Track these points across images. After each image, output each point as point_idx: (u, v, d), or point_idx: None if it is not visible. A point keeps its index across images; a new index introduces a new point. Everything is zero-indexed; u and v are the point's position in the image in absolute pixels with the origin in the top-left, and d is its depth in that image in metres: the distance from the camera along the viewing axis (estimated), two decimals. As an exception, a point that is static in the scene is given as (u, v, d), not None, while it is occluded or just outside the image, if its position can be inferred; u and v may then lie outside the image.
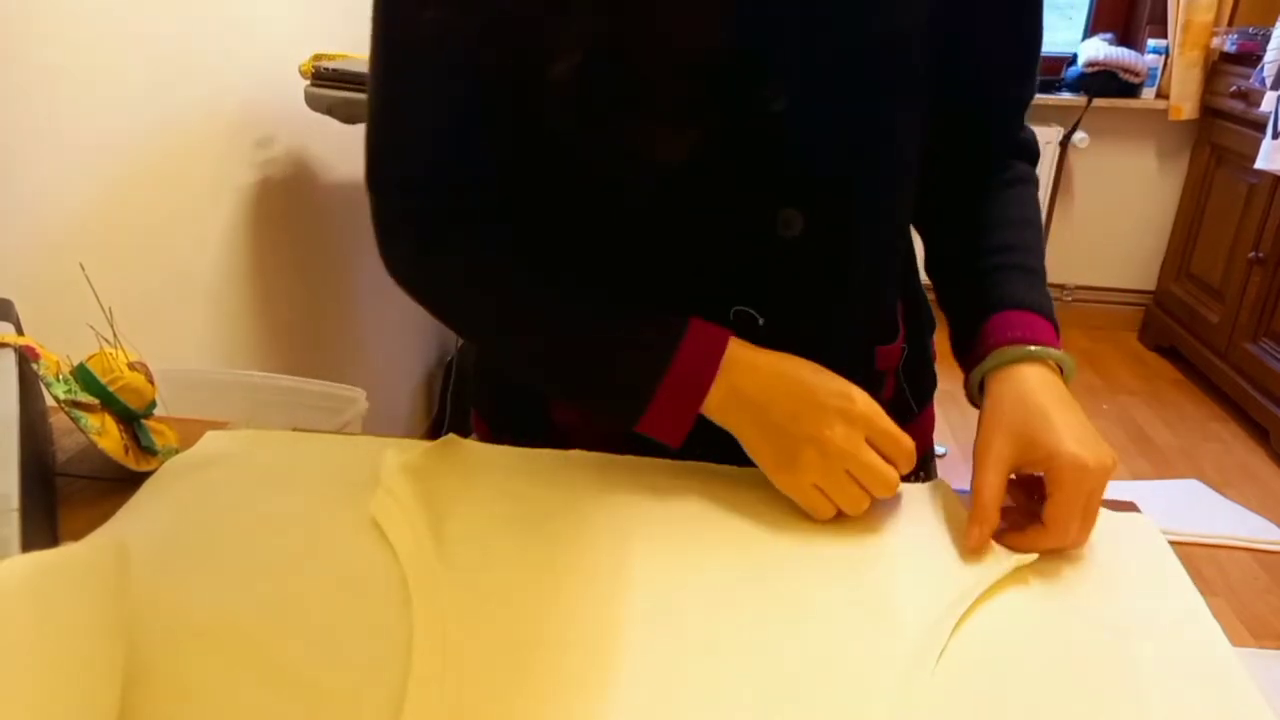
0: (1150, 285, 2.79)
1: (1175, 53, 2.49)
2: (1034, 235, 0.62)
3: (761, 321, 0.57)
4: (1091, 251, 2.79)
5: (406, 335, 1.96)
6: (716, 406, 0.53)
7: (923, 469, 0.66)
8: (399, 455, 0.57)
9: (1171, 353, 2.66)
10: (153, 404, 0.60)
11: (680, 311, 0.55)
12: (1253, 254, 2.22)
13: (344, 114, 1.31)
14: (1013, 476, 0.53)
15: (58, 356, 0.57)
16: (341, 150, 1.52)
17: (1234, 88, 2.34)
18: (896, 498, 0.55)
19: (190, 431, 0.63)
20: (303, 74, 1.34)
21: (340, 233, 1.59)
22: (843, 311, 0.60)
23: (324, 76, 1.32)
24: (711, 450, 0.56)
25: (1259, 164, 2.05)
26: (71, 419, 0.54)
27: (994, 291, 0.58)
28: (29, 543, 0.45)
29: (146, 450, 0.59)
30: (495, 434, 0.70)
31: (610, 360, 0.55)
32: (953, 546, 0.52)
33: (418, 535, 0.51)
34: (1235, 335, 2.29)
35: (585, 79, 0.50)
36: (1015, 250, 0.60)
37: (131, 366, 0.59)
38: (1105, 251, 2.79)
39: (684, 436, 0.54)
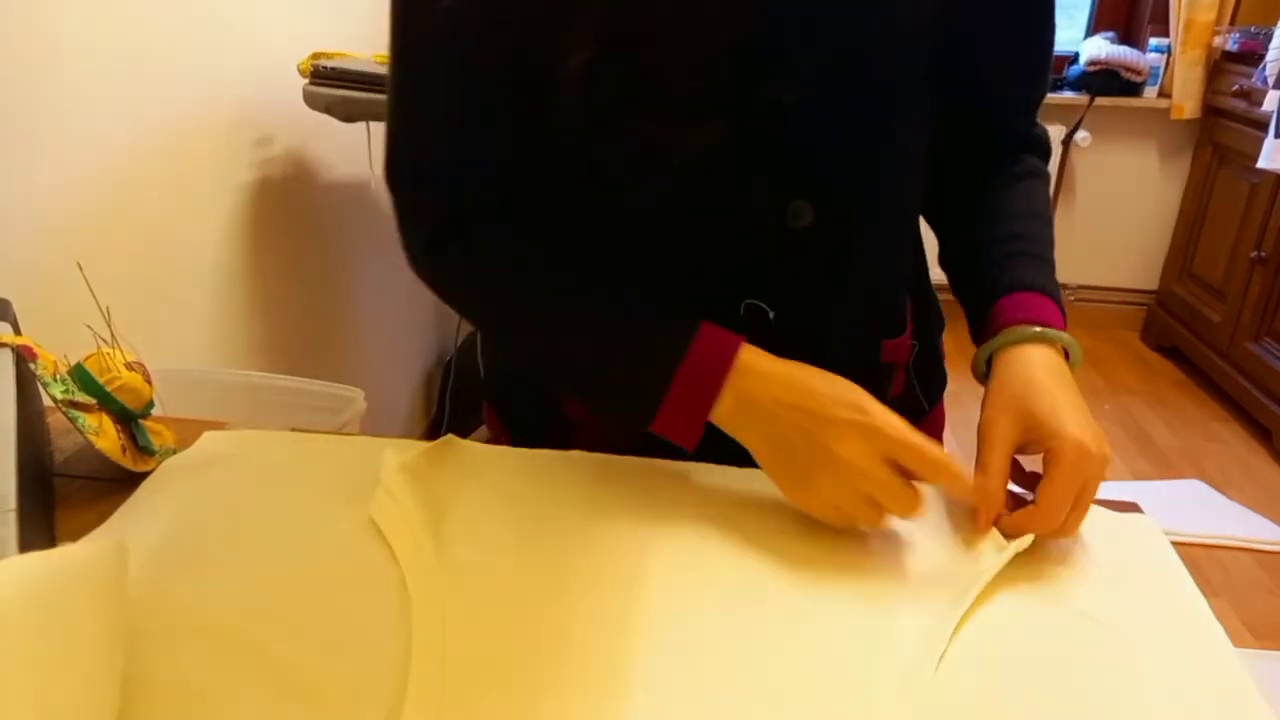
0: (1152, 285, 2.79)
1: (1177, 51, 2.48)
2: (1043, 227, 0.63)
3: (772, 315, 0.57)
4: (1093, 251, 2.78)
5: (406, 335, 1.96)
6: (726, 415, 0.52)
7: None
8: (398, 455, 0.57)
9: (1173, 352, 2.66)
10: (150, 404, 0.60)
11: (691, 306, 0.54)
12: (1255, 253, 2.22)
13: (343, 113, 1.31)
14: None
15: (55, 356, 0.57)
16: (340, 149, 1.52)
17: (1236, 87, 2.33)
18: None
19: (188, 431, 0.63)
20: (301, 73, 1.33)
21: (339, 232, 1.59)
22: (850, 303, 0.60)
23: (323, 75, 1.32)
24: (722, 451, 0.55)
25: (1261, 163, 2.04)
26: (69, 419, 0.54)
27: (1004, 276, 0.59)
28: (27, 543, 0.45)
29: (144, 450, 0.59)
30: (507, 426, 0.70)
31: (617, 363, 0.55)
32: (954, 544, 0.52)
33: (416, 536, 0.51)
34: (1237, 335, 2.29)
35: (598, 75, 0.50)
36: (1024, 239, 0.61)
37: (129, 366, 0.59)
38: (1107, 251, 2.79)
39: (697, 440, 0.53)
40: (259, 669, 0.42)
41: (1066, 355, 0.56)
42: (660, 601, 0.47)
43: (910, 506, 0.49)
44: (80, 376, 0.57)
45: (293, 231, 1.41)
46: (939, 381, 0.71)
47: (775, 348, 0.53)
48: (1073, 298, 2.85)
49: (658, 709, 0.41)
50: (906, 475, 0.50)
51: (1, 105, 0.83)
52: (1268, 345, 2.18)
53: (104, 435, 0.55)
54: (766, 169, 0.54)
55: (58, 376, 0.56)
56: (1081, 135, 2.62)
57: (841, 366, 0.54)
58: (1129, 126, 2.65)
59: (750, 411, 0.51)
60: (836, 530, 0.52)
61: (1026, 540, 0.50)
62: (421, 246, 0.59)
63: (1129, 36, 2.71)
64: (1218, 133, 2.47)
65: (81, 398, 0.56)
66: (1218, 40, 2.43)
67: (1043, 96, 0.64)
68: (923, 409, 0.69)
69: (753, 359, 0.52)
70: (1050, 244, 0.62)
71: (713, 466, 0.58)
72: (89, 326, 0.59)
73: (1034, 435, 0.51)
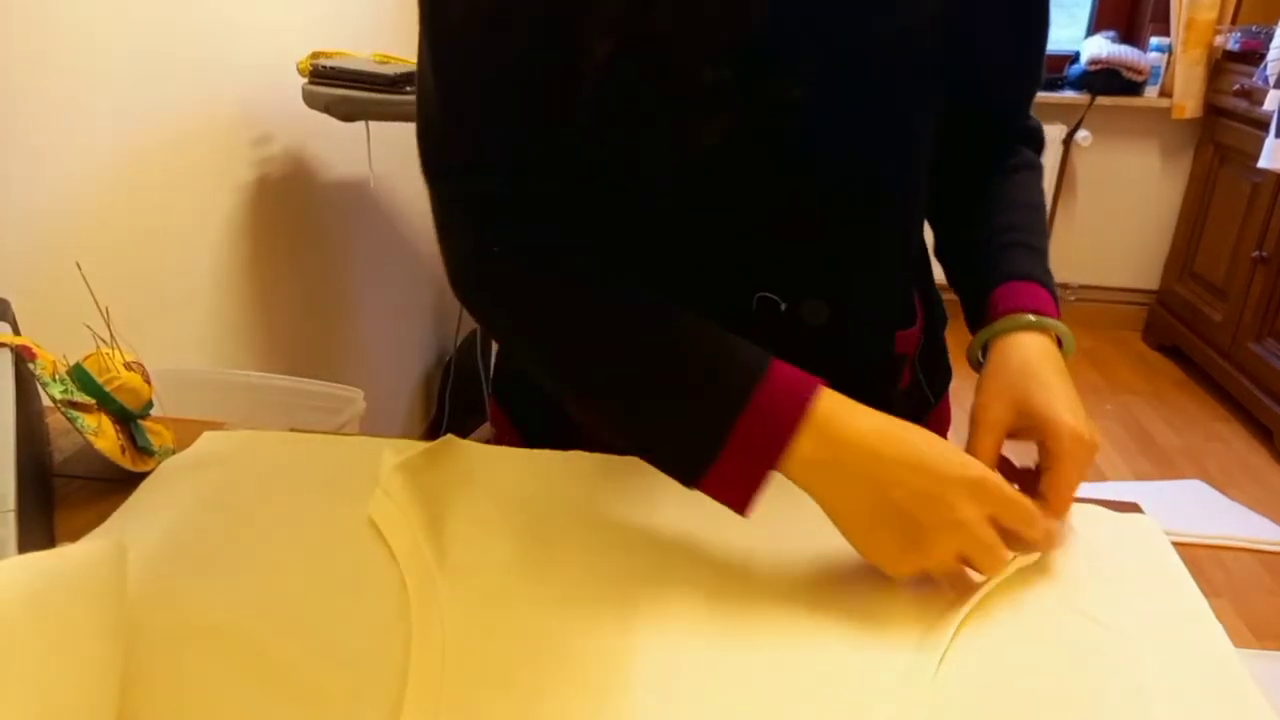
0: (1153, 284, 2.79)
1: (1178, 51, 2.48)
2: (1037, 218, 0.64)
3: (783, 307, 0.57)
4: (1094, 251, 2.78)
5: (405, 335, 1.96)
6: (800, 464, 0.46)
7: None
8: (397, 456, 0.57)
9: (1175, 352, 2.65)
10: (149, 404, 0.60)
11: (703, 300, 0.51)
12: (1256, 253, 2.21)
13: (342, 112, 1.30)
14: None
15: (54, 356, 0.57)
16: (340, 149, 1.52)
17: (1237, 86, 2.33)
18: None
19: (187, 432, 0.63)
20: (301, 72, 1.33)
21: (338, 232, 1.59)
22: (860, 293, 0.61)
23: (322, 74, 1.32)
24: None
25: (1262, 163, 2.04)
26: (68, 419, 0.54)
27: (1000, 266, 0.60)
28: (26, 544, 0.45)
29: (143, 451, 0.59)
30: (514, 423, 0.69)
31: (675, 395, 0.48)
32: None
33: (415, 536, 0.51)
34: (1239, 335, 2.28)
35: (616, 71, 0.49)
36: (1019, 230, 0.62)
37: (128, 366, 0.59)
38: (1108, 251, 2.78)
39: (753, 501, 0.47)
40: (259, 669, 0.42)
41: (1060, 343, 0.56)
42: (660, 601, 0.47)
43: (999, 568, 0.47)
44: (79, 376, 0.57)
45: (292, 231, 1.41)
46: (944, 376, 0.71)
47: (788, 339, 0.53)
48: (1074, 298, 2.85)
49: (657, 709, 0.41)
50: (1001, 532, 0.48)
51: (1, 105, 0.83)
52: (1269, 345, 2.18)
53: (103, 435, 0.55)
54: (774, 164, 0.54)
55: (57, 376, 0.56)
56: (1082, 135, 2.62)
57: (858, 357, 0.54)
58: (1130, 126, 2.65)
59: (836, 466, 0.46)
60: (836, 532, 0.52)
61: (1033, 557, 0.50)
62: (467, 244, 0.54)
63: (1130, 36, 2.70)
64: (1219, 132, 2.47)
65: (81, 398, 0.56)
66: (1219, 39, 2.42)
67: (1037, 90, 0.65)
68: (929, 402, 0.69)
69: (834, 405, 0.47)
70: (1044, 234, 0.63)
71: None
72: (88, 326, 0.59)
73: (1028, 423, 0.52)
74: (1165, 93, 2.57)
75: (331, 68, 1.31)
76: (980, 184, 0.64)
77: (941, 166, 0.63)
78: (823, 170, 0.55)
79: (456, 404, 1.90)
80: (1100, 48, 2.54)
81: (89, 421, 0.55)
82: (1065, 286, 2.83)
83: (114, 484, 0.57)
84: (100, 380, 0.57)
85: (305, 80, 1.33)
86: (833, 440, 0.46)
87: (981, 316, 0.59)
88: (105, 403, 0.57)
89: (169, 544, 0.51)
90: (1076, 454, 0.50)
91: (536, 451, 0.61)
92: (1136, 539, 0.55)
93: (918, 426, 0.48)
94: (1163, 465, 2.11)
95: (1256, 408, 2.21)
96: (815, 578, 0.50)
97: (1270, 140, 2.00)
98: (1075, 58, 2.63)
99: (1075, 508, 0.56)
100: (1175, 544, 0.54)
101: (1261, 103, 2.13)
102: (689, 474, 0.48)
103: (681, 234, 0.57)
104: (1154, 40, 2.56)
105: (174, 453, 0.61)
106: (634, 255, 0.57)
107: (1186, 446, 2.20)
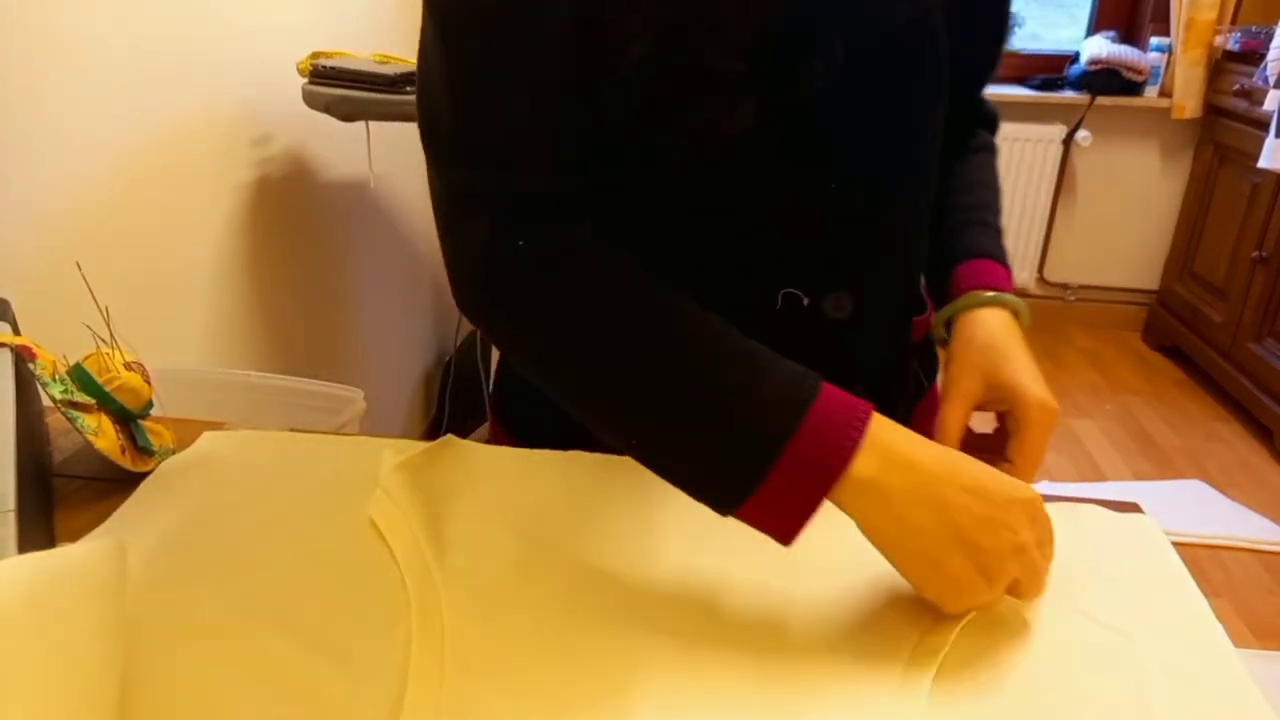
0: (1153, 285, 2.79)
1: (1178, 51, 2.48)
2: (994, 197, 0.68)
3: (806, 301, 0.57)
4: (1094, 251, 2.78)
5: (406, 335, 1.96)
6: (857, 487, 0.43)
7: None
8: (397, 456, 0.57)
9: (1175, 352, 2.65)
10: (149, 404, 0.60)
11: (729, 300, 0.49)
12: (1256, 253, 2.21)
13: (342, 112, 1.30)
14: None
15: (54, 356, 0.57)
16: (340, 148, 1.52)
17: (1237, 86, 2.33)
18: None
19: (187, 432, 0.63)
20: (301, 72, 1.33)
21: (338, 232, 1.59)
22: (884, 284, 0.61)
23: (322, 74, 1.32)
24: None
25: (1262, 163, 2.04)
26: (68, 419, 0.54)
27: (960, 244, 0.64)
28: (26, 544, 0.45)
29: (143, 451, 0.59)
30: (512, 432, 0.69)
31: (715, 413, 0.45)
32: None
33: (415, 536, 0.51)
34: (1239, 335, 2.28)
35: (655, 64, 0.49)
36: (978, 209, 0.66)
37: (128, 366, 0.59)
38: (1108, 251, 2.78)
39: (801, 529, 0.44)
40: (259, 669, 0.42)
41: (1016, 315, 0.60)
42: (660, 601, 0.47)
43: (1039, 592, 0.47)
44: (79, 376, 0.57)
45: (292, 231, 1.41)
46: (935, 360, 0.73)
47: (811, 334, 0.54)
48: (1074, 297, 2.85)
49: (657, 708, 0.41)
50: None
51: (1, 105, 0.83)
52: (1269, 345, 2.18)
53: (103, 435, 0.55)
54: (795, 156, 0.54)
55: (57, 376, 0.56)
56: (1082, 135, 2.62)
57: (877, 348, 0.54)
58: (1130, 126, 2.65)
59: (899, 491, 0.44)
60: (836, 533, 0.52)
61: None
62: (477, 240, 0.50)
63: (1130, 36, 2.70)
64: (1219, 132, 2.47)
65: (81, 398, 0.56)
66: (1219, 39, 2.42)
67: (996, 73, 0.68)
68: (923, 386, 0.70)
69: (889, 428, 0.45)
70: (999, 212, 0.67)
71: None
72: (88, 326, 0.59)
73: (996, 394, 0.55)
74: (1165, 93, 2.57)
75: (331, 68, 1.31)
76: (943, 164, 0.66)
77: None
78: (845, 161, 0.55)
79: (456, 404, 1.90)
80: (1100, 48, 2.54)
81: (89, 421, 0.55)
82: (1065, 286, 2.83)
83: (114, 484, 0.57)
84: (100, 380, 0.57)
85: (305, 80, 1.33)
86: (893, 463, 0.44)
87: (944, 291, 0.63)
88: (105, 403, 0.57)
89: (169, 544, 0.51)
90: (1043, 420, 0.53)
91: (536, 451, 0.61)
92: (1136, 539, 0.55)
93: (966, 455, 0.47)
94: (1163, 465, 2.11)
95: (1256, 408, 2.21)
96: (816, 578, 0.50)
97: (1270, 140, 2.00)
98: (1075, 58, 2.63)
99: (1075, 508, 0.57)
100: (1175, 544, 0.54)
101: (1261, 103, 2.13)
102: (729, 499, 0.44)
103: (703, 232, 0.56)
104: (1154, 40, 2.56)
105: (174, 453, 0.61)
106: (654, 255, 0.56)
107: (1186, 446, 2.20)
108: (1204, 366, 2.46)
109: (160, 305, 1.09)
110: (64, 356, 0.58)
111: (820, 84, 0.51)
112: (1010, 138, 2.59)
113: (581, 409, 0.49)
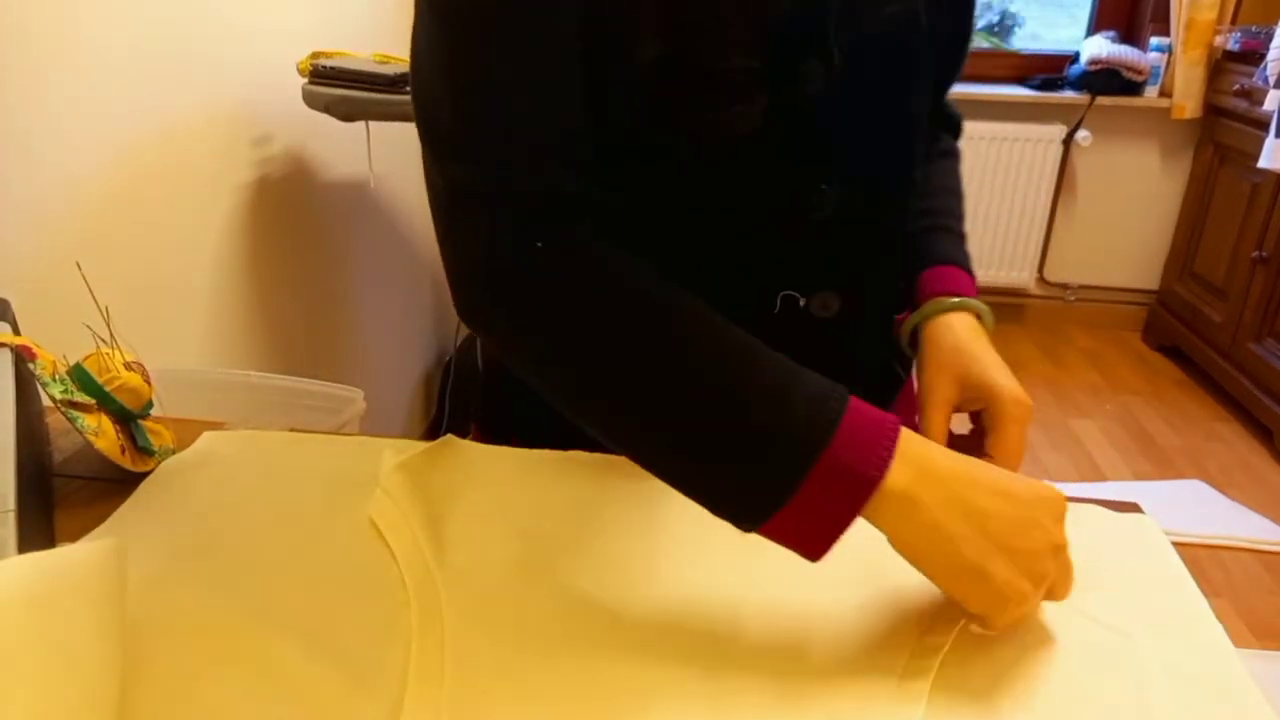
0: (1153, 285, 2.78)
1: (1178, 51, 2.48)
2: (956, 202, 0.69)
3: (803, 303, 0.58)
4: (1094, 251, 2.78)
5: (405, 335, 1.96)
6: (892, 500, 0.42)
7: None
8: (397, 456, 0.57)
9: (1175, 352, 2.65)
10: (149, 404, 0.60)
11: (728, 303, 0.48)
12: (1256, 253, 2.21)
13: (342, 112, 1.30)
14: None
15: (54, 356, 0.57)
16: (339, 149, 1.52)
17: (1237, 86, 2.33)
18: None
19: (187, 432, 0.63)
20: (300, 72, 1.33)
21: (339, 232, 1.59)
22: (874, 283, 0.62)
23: (322, 74, 1.32)
24: None
25: (1262, 163, 2.04)
26: (68, 419, 0.54)
27: (924, 251, 0.65)
28: (26, 544, 0.45)
29: (143, 451, 0.59)
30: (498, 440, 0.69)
31: (739, 427, 0.43)
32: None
33: (415, 536, 0.51)
34: (1239, 335, 2.28)
35: (663, 68, 0.49)
36: (941, 214, 0.67)
37: (128, 366, 0.59)
38: (1108, 251, 2.78)
39: (832, 545, 0.43)
40: (259, 669, 0.42)
41: (979, 317, 0.62)
42: (660, 601, 0.47)
43: (1067, 594, 0.46)
44: (79, 376, 0.57)
45: (292, 231, 1.41)
46: (906, 355, 0.73)
47: (808, 335, 0.54)
48: (1074, 298, 2.85)
49: (657, 709, 0.41)
50: None
51: (1, 105, 0.83)
52: (1269, 345, 2.18)
53: (103, 435, 0.55)
54: (798, 153, 0.54)
55: (57, 376, 0.56)
56: (1082, 135, 2.62)
57: (867, 346, 0.54)
58: (1130, 126, 2.65)
59: (933, 502, 0.42)
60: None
61: None
62: (480, 240, 0.48)
63: (1130, 36, 2.70)
64: (1219, 132, 2.47)
65: (81, 398, 0.56)
66: (1219, 39, 2.42)
67: (958, 78, 0.68)
68: (900, 380, 0.71)
69: (916, 438, 0.44)
70: (963, 218, 0.69)
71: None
72: (88, 326, 0.59)
73: (971, 395, 0.56)
74: (1165, 93, 2.56)
75: (331, 68, 1.31)
76: None
77: None
78: (845, 160, 0.55)
79: (456, 404, 1.90)
80: (1100, 48, 2.54)
81: (89, 421, 0.55)
82: (1065, 286, 2.83)
83: (114, 484, 0.57)
84: (100, 380, 0.57)
85: (305, 80, 1.33)
86: (926, 473, 0.43)
87: (909, 298, 0.64)
88: (105, 403, 0.57)
89: (169, 544, 0.51)
90: (1018, 415, 0.53)
91: (536, 451, 0.61)
92: (1136, 539, 0.55)
93: (970, 457, 0.46)
94: (1163, 465, 2.11)
95: (1256, 408, 2.21)
96: (816, 579, 0.49)
97: (1270, 140, 2.00)
98: (1075, 58, 2.63)
99: (1075, 508, 0.57)
100: (1175, 544, 0.54)
101: (1261, 103, 2.13)
102: (754, 513, 0.43)
103: (703, 233, 0.56)
104: (1154, 40, 2.56)
105: (174, 453, 0.61)
106: (654, 256, 0.54)
107: (1186, 446, 2.20)
108: (1204, 366, 2.46)
109: (160, 305, 1.08)
110: (64, 356, 0.58)
111: (819, 83, 0.52)
112: (1010, 138, 2.59)
113: (581, 412, 0.48)
